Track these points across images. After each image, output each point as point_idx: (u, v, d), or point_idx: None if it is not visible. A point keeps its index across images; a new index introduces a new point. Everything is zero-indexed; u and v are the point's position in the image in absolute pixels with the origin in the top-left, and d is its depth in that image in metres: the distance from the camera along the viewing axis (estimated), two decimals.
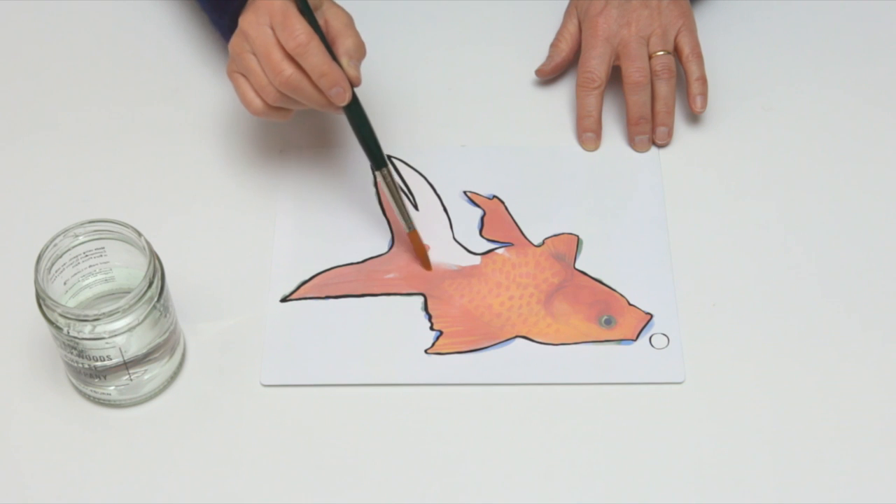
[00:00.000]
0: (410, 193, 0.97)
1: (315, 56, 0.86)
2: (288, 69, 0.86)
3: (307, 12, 0.87)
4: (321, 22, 0.89)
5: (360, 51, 0.89)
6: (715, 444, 0.85)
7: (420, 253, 0.92)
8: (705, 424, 0.86)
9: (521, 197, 0.97)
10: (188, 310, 0.90)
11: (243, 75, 0.89)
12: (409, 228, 0.92)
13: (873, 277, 0.93)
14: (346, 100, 0.88)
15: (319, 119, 1.01)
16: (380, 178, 0.91)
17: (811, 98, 1.03)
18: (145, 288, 0.81)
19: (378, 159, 0.91)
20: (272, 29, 0.87)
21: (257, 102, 0.89)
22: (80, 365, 0.83)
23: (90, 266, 0.85)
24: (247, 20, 0.88)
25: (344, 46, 0.88)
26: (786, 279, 0.92)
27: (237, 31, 0.89)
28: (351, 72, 0.88)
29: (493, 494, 0.83)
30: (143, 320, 0.81)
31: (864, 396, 0.87)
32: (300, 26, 0.86)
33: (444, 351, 0.89)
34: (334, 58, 0.87)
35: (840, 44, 1.06)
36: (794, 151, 1.00)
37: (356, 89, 0.89)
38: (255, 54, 0.88)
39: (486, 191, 0.97)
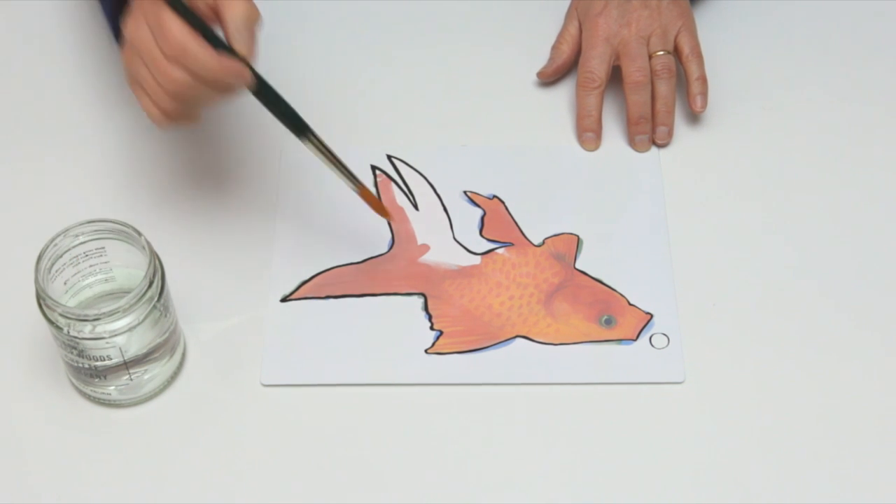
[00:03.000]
0: (411, 193, 0.97)
1: (195, 55, 0.77)
2: (175, 71, 0.78)
3: (177, 2, 0.78)
4: None
5: (249, 18, 0.78)
6: (715, 444, 0.85)
7: (376, 206, 0.86)
8: (705, 424, 0.86)
9: (521, 197, 0.97)
10: (188, 310, 0.89)
11: (141, 87, 0.82)
12: (356, 188, 0.84)
13: (873, 277, 0.92)
14: (247, 85, 0.80)
15: (319, 119, 1.01)
16: (308, 145, 0.83)
17: (811, 98, 1.03)
18: (145, 288, 0.81)
19: (299, 126, 0.83)
20: (152, 31, 0.79)
21: (154, 112, 0.82)
22: (81, 365, 0.83)
23: (90, 266, 0.85)
24: (128, 27, 0.81)
25: (232, 19, 0.78)
26: (786, 279, 0.92)
27: (125, 41, 0.82)
28: (242, 49, 0.78)
29: (493, 494, 0.83)
30: (143, 320, 0.81)
31: (863, 396, 0.87)
32: (174, 26, 0.77)
33: (444, 351, 0.89)
34: (217, 41, 0.78)
35: (839, 44, 1.06)
36: (793, 151, 1.00)
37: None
38: (144, 62, 0.80)
39: (486, 191, 0.97)
